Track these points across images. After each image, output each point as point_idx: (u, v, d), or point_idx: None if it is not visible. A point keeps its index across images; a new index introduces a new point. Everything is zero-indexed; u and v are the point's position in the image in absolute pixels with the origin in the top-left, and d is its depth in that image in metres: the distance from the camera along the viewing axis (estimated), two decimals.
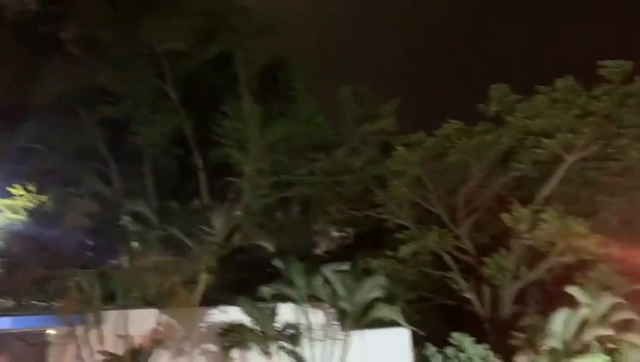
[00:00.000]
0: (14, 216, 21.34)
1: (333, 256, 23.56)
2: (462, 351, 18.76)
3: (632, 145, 17.69)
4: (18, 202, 21.44)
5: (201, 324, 18.09)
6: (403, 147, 20.03)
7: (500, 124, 20.29)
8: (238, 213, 19.77)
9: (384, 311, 17.67)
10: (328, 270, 18.08)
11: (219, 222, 17.65)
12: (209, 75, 23.32)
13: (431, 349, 19.29)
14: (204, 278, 17.35)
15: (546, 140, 18.22)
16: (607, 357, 15.64)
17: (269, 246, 18.87)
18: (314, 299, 18.23)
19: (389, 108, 20.55)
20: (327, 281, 18.17)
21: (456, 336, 18.94)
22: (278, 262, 18.23)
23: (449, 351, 18.97)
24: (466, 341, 18.87)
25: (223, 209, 18.04)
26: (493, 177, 20.54)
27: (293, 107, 22.92)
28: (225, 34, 21.64)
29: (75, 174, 21.40)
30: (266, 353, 16.96)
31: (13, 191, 21.09)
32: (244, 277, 22.36)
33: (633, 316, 16.66)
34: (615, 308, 16.67)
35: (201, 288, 17.38)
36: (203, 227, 17.90)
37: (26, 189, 21.10)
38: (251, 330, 17.38)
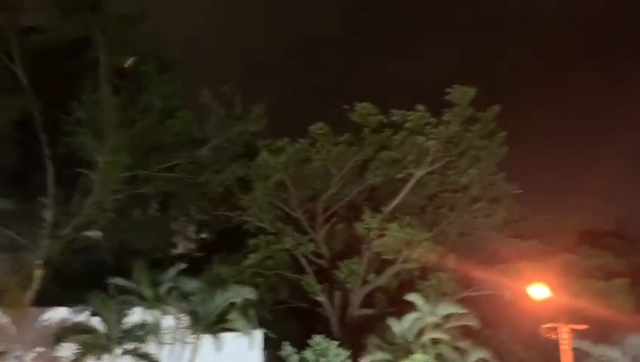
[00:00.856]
0: None
1: (190, 258, 23.03)
2: (322, 354, 18.90)
3: (471, 165, 19.54)
4: None
5: (36, 325, 16.69)
6: (267, 152, 20.23)
7: (359, 135, 21.48)
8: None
9: (237, 318, 17.55)
10: (180, 273, 17.65)
11: (50, 215, 16.38)
12: (65, 57, 21.60)
13: (288, 349, 19.38)
14: (38, 276, 15.95)
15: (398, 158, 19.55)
16: (428, 357, 16.94)
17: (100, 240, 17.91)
18: (165, 303, 17.67)
19: (257, 111, 20.61)
20: (179, 286, 17.75)
21: (318, 339, 19.11)
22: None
23: (308, 353, 19.04)
24: (327, 344, 19.04)
25: (68, 203, 16.74)
26: (351, 186, 21.48)
27: (155, 100, 21.97)
28: (86, 13, 20.21)
29: None
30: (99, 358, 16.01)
31: None
32: (93, 277, 21.04)
33: (464, 322, 18.31)
34: (450, 314, 18.21)
35: (35, 286, 15.97)
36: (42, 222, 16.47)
37: None
38: (93, 331, 16.37)
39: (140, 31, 21.92)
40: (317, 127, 21.34)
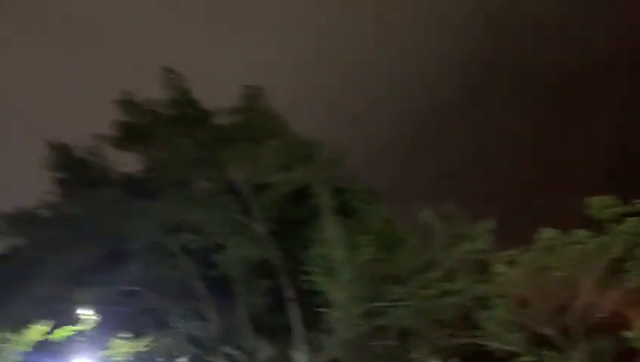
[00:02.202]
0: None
1: None
2: None
3: None
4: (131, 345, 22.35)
5: None
6: (502, 265, 19.00)
7: (602, 232, 19.14)
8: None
9: None
10: None
11: (302, 357, 16.93)
12: (289, 204, 23.72)
13: None
14: None
15: None
16: None
17: None
18: None
19: (484, 227, 19.73)
20: None
21: None
22: None
23: None
24: None
25: (313, 342, 17.32)
26: (606, 291, 18.83)
27: (376, 230, 22.49)
28: (303, 165, 22.24)
29: (172, 313, 21.79)
30: None
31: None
32: None
33: None
34: None
35: None
36: None
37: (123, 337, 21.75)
38: None
39: (345, 170, 23.50)
40: (545, 234, 19.65)
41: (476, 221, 19.77)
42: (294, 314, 22.12)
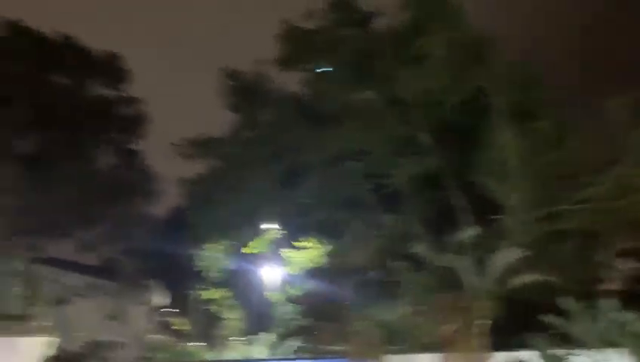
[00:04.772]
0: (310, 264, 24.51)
1: (624, 293, 20.53)
2: None
3: None
4: (312, 253, 24.65)
5: None
6: None
7: None
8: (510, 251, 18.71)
9: None
10: (620, 309, 15.94)
11: (498, 263, 16.91)
12: (460, 111, 22.99)
13: None
14: (483, 322, 16.76)
15: None
16: None
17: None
18: (608, 344, 16.15)
19: None
20: (621, 324, 16.00)
21: None
22: (562, 302, 16.68)
23: None
24: None
25: (501, 249, 17.21)
26: None
27: (549, 130, 21.01)
28: (476, 68, 21.18)
29: (347, 224, 23.05)
30: None
31: (303, 244, 23.88)
32: (521, 319, 20.97)
33: None
34: None
35: (481, 332, 16.81)
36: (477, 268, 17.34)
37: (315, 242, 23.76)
38: None
39: (523, 68, 21.76)
40: None
41: None
42: (467, 222, 22.01)
